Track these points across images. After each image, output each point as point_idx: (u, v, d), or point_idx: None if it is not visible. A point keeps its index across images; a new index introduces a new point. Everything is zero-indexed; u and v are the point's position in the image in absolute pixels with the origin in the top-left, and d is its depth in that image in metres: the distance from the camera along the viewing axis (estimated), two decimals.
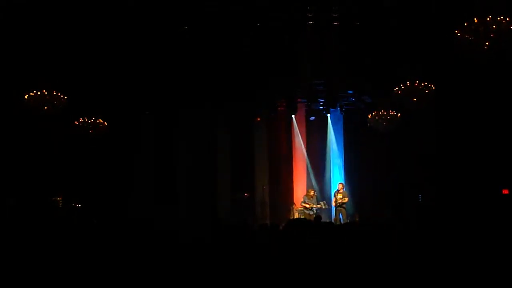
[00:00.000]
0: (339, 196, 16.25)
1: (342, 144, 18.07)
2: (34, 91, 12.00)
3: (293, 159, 18.01)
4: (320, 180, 17.99)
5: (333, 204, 16.49)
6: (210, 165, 16.67)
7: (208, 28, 12.27)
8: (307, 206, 16.39)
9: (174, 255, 5.93)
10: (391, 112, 14.44)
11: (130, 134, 16.10)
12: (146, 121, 16.54)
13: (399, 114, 14.40)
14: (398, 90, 12.39)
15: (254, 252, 5.99)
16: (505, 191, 14.17)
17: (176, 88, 14.83)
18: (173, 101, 15.66)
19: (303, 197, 16.64)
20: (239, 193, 17.10)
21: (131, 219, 12.03)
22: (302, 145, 18.09)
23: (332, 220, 16.13)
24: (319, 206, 16.33)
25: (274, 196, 17.50)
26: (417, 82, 12.23)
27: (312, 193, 16.53)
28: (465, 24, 9.07)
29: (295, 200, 17.46)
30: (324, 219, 15.42)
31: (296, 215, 16.43)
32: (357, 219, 16.13)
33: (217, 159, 16.99)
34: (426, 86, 12.24)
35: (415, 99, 12.23)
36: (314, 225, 8.56)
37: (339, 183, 16.72)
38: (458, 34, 9.16)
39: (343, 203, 16.21)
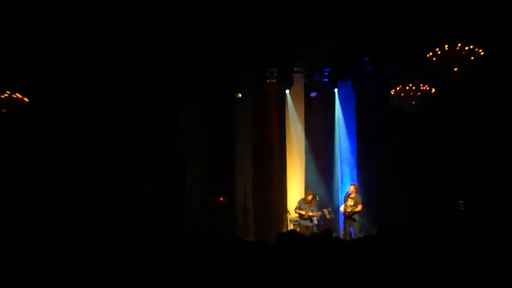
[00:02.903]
0: (350, 202, 16.30)
1: (354, 130, 18.22)
2: None
3: (287, 150, 18.14)
4: (323, 179, 18.20)
5: (341, 211, 16.58)
6: (171, 157, 16.68)
7: None
8: (303, 213, 16.53)
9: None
10: (422, 86, 14.44)
11: (60, 115, 15.85)
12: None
13: (433, 89, 14.42)
14: (432, 56, 12.32)
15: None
16: None
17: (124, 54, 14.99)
18: (117, 70, 15.60)
19: (298, 202, 16.79)
20: (212, 196, 17.12)
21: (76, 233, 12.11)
22: (300, 130, 18.27)
23: (340, 235, 16.31)
24: (319, 214, 16.53)
25: (261, 200, 17.63)
26: (459, 45, 12.10)
27: (310, 197, 16.62)
28: None
29: (289, 206, 17.58)
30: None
31: (291, 227, 16.59)
32: (374, 233, 15.64)
33: (180, 150, 16.96)
34: (472, 51, 12.13)
35: (456, 69, 12.22)
36: (311, 242, 8.44)
37: (351, 185, 16.77)
38: None
39: (355, 212, 16.25)
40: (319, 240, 8.57)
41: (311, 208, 16.54)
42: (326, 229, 10.32)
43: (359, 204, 16.20)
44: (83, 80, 15.57)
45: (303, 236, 9.46)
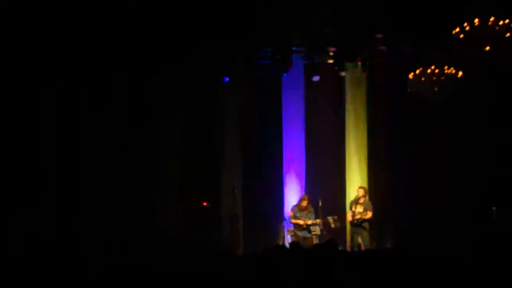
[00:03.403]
0: (359, 208, 16.01)
1: (365, 119, 17.77)
2: None
3: (283, 145, 17.63)
4: (328, 180, 17.57)
5: (348, 219, 16.38)
6: (143, 154, 16.39)
7: None
8: (300, 223, 16.06)
9: None
10: (447, 69, 14.23)
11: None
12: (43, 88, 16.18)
13: (460, 72, 14.21)
14: (459, 33, 12.22)
15: None
16: None
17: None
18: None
19: (292, 210, 16.45)
20: (193, 201, 16.96)
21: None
22: (299, 122, 17.78)
23: (347, 247, 16.22)
24: (318, 222, 16.12)
25: (252, 205, 17.16)
26: (492, 19, 12.00)
27: (305, 203, 16.19)
28: None
29: (286, 212, 17.14)
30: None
31: (289, 238, 16.40)
32: (388, 246, 15.82)
33: (155, 145, 16.72)
34: (507, 27, 11.96)
35: (488, 48, 12.02)
36: (308, 257, 7.91)
37: (360, 187, 16.50)
38: None
39: (365, 220, 15.99)
40: (318, 255, 8.16)
41: (308, 215, 16.13)
42: (329, 239, 10.29)
43: (369, 211, 16.02)
44: (51, 67, 15.66)
45: (300, 250, 9.10)
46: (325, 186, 17.44)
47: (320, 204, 16.22)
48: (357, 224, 15.94)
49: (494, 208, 15.74)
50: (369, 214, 15.92)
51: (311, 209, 16.16)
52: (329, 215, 16.28)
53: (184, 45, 16.03)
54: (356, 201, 16.12)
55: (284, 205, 17.28)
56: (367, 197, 16.25)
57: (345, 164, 17.78)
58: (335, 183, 17.66)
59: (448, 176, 16.26)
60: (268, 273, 7.09)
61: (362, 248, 15.65)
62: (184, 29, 15.62)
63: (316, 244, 13.45)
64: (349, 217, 16.21)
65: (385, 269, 7.23)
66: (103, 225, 15.25)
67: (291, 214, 16.31)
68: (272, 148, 17.54)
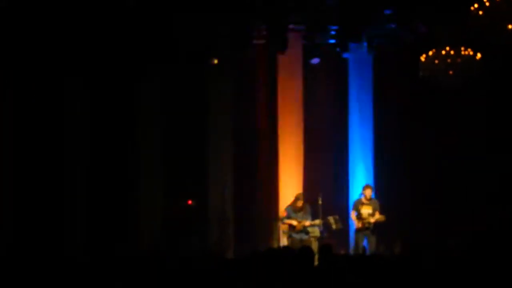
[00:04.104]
0: (366, 209, 15.82)
1: (371, 108, 17.59)
2: None
3: (279, 135, 17.39)
4: (328, 176, 17.47)
5: (352, 220, 16.17)
6: (120, 147, 16.44)
7: None
8: (295, 224, 15.83)
9: None
10: (463, 50, 14.17)
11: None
12: None
13: (478, 54, 14.17)
14: (478, 9, 12.05)
15: None
16: None
17: None
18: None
19: (286, 210, 16.18)
20: (178, 199, 16.99)
21: None
22: (297, 110, 17.44)
23: (350, 251, 16.24)
24: (317, 223, 15.87)
25: (244, 204, 17.22)
26: None
27: (300, 203, 15.87)
28: None
29: (282, 213, 16.75)
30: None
31: (285, 241, 16.18)
32: (397, 249, 16.08)
33: (134, 137, 16.75)
34: None
35: (511, 27, 11.84)
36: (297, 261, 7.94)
37: (367, 187, 16.24)
38: None
39: (371, 222, 15.79)
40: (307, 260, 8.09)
41: (305, 216, 15.79)
42: (324, 245, 10.11)
43: (377, 213, 15.81)
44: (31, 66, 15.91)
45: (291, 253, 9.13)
46: (325, 184, 17.20)
47: (320, 202, 15.96)
48: (366, 227, 15.77)
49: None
50: (377, 215, 15.71)
51: (308, 209, 15.95)
52: (330, 215, 16.06)
53: (170, 27, 15.97)
54: (361, 202, 15.94)
55: (279, 204, 17.07)
56: (373, 197, 16.11)
57: (348, 160, 17.66)
58: (336, 181, 17.61)
59: (466, 173, 16.24)
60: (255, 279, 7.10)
61: (367, 252, 15.57)
62: (169, 8, 15.51)
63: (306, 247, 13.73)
64: (354, 218, 15.96)
65: (394, 275, 7.22)
66: (87, 224, 15.60)
67: (285, 214, 16.12)
68: (266, 141, 17.48)
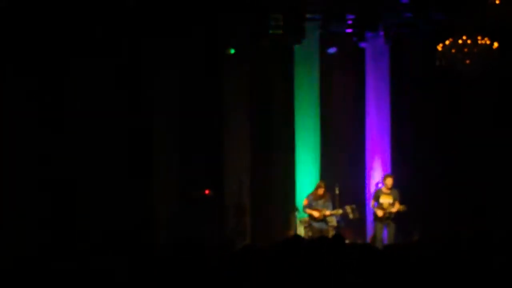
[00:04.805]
0: (387, 199, 15.92)
1: (388, 98, 17.56)
2: None
3: (295, 125, 17.44)
4: (346, 166, 17.57)
5: (372, 209, 16.25)
6: (135, 136, 16.10)
7: None
8: (315, 214, 15.94)
9: None
10: (481, 40, 14.05)
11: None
12: None
13: (495, 43, 14.04)
14: None
15: None
16: None
17: None
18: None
19: (307, 198, 16.27)
20: (195, 189, 16.66)
21: None
22: (314, 100, 17.58)
23: (368, 240, 16.29)
24: (339, 212, 16.07)
25: (260, 194, 17.20)
26: None
27: (321, 190, 15.99)
28: None
29: (298, 203, 16.92)
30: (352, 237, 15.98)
31: (302, 230, 16.29)
32: (416, 238, 15.97)
33: (148, 125, 16.47)
34: None
35: None
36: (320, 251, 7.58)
37: (386, 175, 16.35)
38: None
39: (392, 212, 15.88)
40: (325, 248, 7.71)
41: (326, 205, 16.01)
42: (335, 235, 10.40)
43: (397, 203, 15.91)
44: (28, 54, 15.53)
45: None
46: (343, 173, 17.39)
47: (337, 192, 16.22)
48: (388, 217, 15.85)
49: None
50: (397, 206, 15.78)
51: (329, 197, 16.12)
52: (347, 204, 16.23)
53: (185, 17, 15.83)
54: (382, 191, 16.05)
55: (295, 194, 17.21)
56: (393, 186, 16.10)
57: (364, 149, 17.70)
58: (354, 170, 17.63)
59: (485, 163, 16.17)
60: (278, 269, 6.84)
61: (385, 241, 15.74)
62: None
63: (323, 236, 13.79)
64: (379, 213, 15.92)
65: (411, 265, 6.99)
66: (102, 217, 15.30)
67: (306, 203, 16.17)
68: (283, 129, 17.48)
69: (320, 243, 7.99)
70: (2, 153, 15.40)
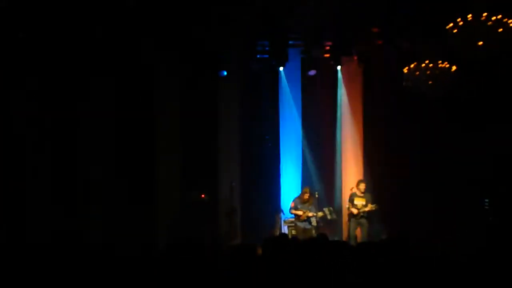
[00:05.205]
0: (360, 201, 16.39)
1: (361, 115, 18.18)
2: None
3: (280, 138, 18.14)
4: (323, 173, 18.16)
5: (354, 212, 16.44)
6: (139, 147, 16.25)
7: None
8: (300, 214, 16.40)
9: None
10: (441, 64, 14.19)
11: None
12: None
13: (453, 67, 14.12)
14: (453, 27, 12.01)
15: None
16: None
17: None
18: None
19: (294, 201, 16.65)
20: (194, 192, 17.02)
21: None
22: (296, 115, 18.27)
23: (343, 239, 16.53)
24: (321, 214, 16.53)
25: (249, 198, 17.57)
26: (485, 15, 11.74)
27: (307, 195, 16.48)
28: None
29: (283, 205, 17.52)
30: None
31: (286, 229, 16.88)
32: (384, 237, 15.72)
33: (156, 137, 16.61)
34: (500, 22, 11.73)
35: (481, 43, 11.81)
36: (306, 248, 8.08)
37: (361, 181, 16.76)
38: None
39: (369, 211, 16.30)
40: (316, 245, 8.17)
41: (310, 208, 16.45)
42: (320, 234, 10.18)
43: (370, 203, 16.35)
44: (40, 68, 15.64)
45: (298, 241, 9.67)
46: (321, 179, 18.11)
47: (316, 196, 16.73)
48: (362, 216, 16.24)
49: (486, 200, 15.96)
50: (374, 206, 16.19)
51: (313, 201, 16.51)
52: (325, 206, 16.87)
53: (184, 43, 16.15)
54: (356, 194, 16.44)
55: (280, 197, 17.77)
56: (366, 190, 16.53)
57: (340, 158, 18.20)
58: (331, 176, 18.16)
59: (447, 171, 16.23)
60: (267, 265, 7.12)
61: (358, 240, 15.81)
62: (179, 20, 15.44)
63: (314, 237, 14.07)
64: (354, 211, 16.26)
65: (378, 261, 7.26)
66: (105, 220, 15.39)
67: (292, 205, 16.51)
68: (269, 141, 18.14)
69: (310, 242, 8.51)
70: (2, 158, 15.30)
